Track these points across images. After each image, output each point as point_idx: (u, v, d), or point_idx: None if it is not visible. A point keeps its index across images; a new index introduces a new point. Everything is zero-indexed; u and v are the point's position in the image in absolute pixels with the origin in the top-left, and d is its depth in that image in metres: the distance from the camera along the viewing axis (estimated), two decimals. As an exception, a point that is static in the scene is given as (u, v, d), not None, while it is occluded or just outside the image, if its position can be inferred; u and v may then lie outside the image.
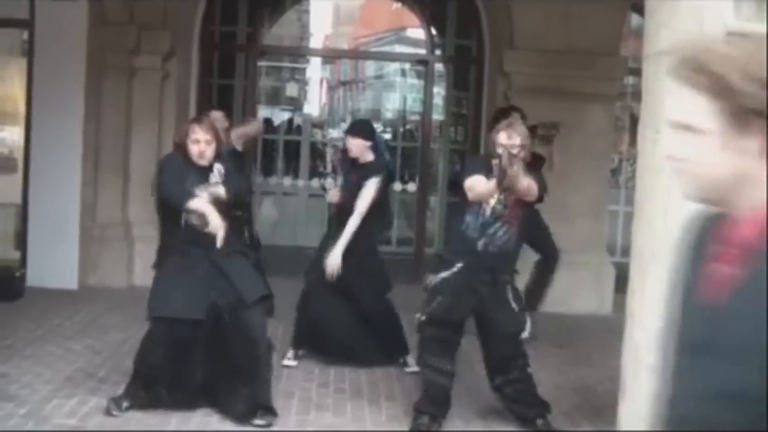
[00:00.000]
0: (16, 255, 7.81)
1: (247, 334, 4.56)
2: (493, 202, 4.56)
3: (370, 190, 5.52)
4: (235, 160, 6.56)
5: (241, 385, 4.60)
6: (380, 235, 5.95)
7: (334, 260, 5.48)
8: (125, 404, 4.60)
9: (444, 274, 4.60)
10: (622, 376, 3.87)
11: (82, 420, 4.51)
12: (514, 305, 4.66)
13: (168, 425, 4.51)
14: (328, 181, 6.53)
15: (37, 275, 7.43)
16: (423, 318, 4.64)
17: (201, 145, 4.58)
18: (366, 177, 5.57)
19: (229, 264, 4.60)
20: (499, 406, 4.87)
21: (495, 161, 4.56)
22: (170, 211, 4.62)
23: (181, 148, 4.69)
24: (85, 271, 7.75)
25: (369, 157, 5.68)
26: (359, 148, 5.65)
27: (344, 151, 5.86)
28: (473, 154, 8.73)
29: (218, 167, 4.70)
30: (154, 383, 4.62)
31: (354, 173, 5.72)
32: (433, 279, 4.64)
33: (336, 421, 4.81)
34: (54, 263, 7.51)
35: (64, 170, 7.49)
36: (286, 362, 5.67)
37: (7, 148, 8.17)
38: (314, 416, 4.85)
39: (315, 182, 12.80)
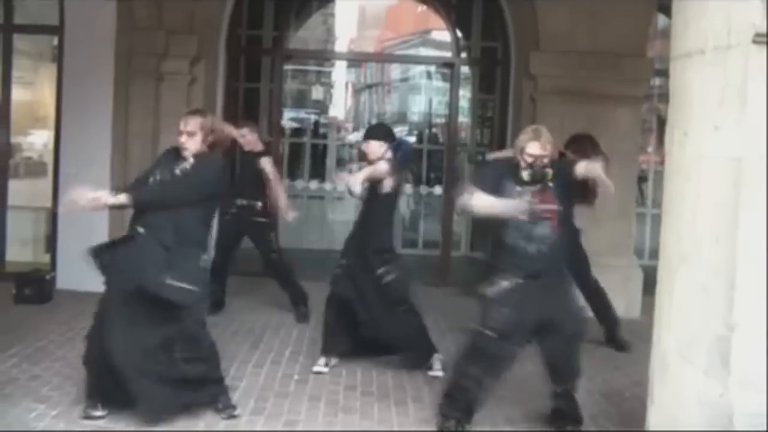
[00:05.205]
0: (46, 258, 7.91)
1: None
2: (524, 209, 4.41)
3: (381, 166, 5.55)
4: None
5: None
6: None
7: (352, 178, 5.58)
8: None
9: (504, 284, 4.41)
10: (650, 380, 3.84)
11: (112, 421, 4.54)
12: (573, 303, 4.60)
13: (197, 426, 4.54)
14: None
15: (66, 278, 7.50)
16: (488, 332, 4.39)
17: (183, 137, 4.73)
18: None
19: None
20: (527, 410, 4.85)
21: (526, 171, 4.47)
22: None
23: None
24: (114, 274, 7.80)
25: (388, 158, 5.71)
26: (375, 151, 5.68)
27: (363, 155, 5.88)
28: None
29: (187, 163, 4.75)
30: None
31: None
32: (493, 289, 4.45)
33: (363, 423, 4.81)
34: (84, 266, 7.54)
35: (93, 174, 7.55)
36: (316, 368, 5.68)
37: (36, 153, 8.28)
38: (341, 419, 4.85)
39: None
